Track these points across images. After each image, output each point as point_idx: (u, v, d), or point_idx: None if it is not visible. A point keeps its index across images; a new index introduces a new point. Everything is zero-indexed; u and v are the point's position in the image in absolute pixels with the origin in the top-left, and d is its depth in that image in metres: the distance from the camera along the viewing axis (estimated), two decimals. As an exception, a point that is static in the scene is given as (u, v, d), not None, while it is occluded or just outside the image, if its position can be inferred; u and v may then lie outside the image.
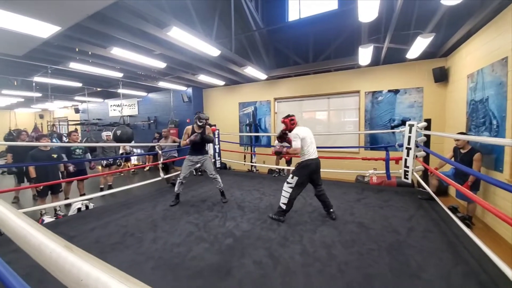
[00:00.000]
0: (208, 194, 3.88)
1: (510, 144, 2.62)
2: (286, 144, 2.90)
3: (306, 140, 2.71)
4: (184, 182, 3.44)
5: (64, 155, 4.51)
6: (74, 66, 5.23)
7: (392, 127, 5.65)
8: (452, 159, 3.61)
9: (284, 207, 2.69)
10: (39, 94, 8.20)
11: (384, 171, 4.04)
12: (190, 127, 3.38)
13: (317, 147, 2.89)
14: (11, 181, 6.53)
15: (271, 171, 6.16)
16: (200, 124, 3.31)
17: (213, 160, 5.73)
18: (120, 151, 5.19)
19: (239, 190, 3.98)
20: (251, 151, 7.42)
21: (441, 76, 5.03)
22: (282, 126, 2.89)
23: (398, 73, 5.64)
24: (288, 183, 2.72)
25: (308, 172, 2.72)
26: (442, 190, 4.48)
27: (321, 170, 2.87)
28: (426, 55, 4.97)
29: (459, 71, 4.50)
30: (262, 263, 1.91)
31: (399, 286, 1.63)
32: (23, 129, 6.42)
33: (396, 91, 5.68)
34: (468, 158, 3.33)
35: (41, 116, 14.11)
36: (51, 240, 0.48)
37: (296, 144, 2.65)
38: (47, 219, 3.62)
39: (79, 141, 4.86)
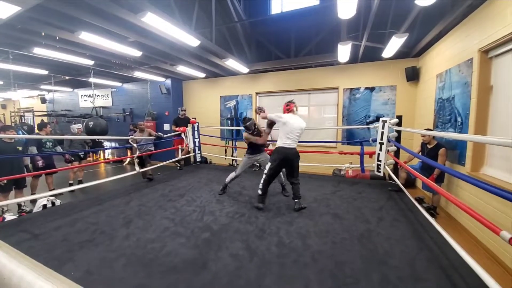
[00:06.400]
0: (187, 188, 3.80)
1: (473, 140, 2.84)
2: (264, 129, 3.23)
3: (287, 126, 2.81)
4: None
5: (35, 148, 4.20)
6: (39, 51, 4.80)
7: (368, 123, 5.89)
8: (420, 154, 3.85)
9: (260, 192, 2.92)
10: (0, 82, 7.46)
11: (359, 165, 4.21)
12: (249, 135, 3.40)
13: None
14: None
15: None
16: (250, 132, 3.35)
17: (193, 154, 5.61)
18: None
19: (218, 185, 3.93)
20: (232, 145, 7.36)
21: (413, 75, 5.30)
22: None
23: (374, 71, 5.84)
24: (265, 173, 2.94)
25: (280, 158, 2.82)
26: (410, 183, 4.79)
27: (300, 164, 2.97)
28: (400, 55, 5.19)
29: (429, 70, 4.75)
30: (238, 256, 1.91)
31: (368, 272, 1.71)
32: None
33: (372, 89, 5.90)
34: (434, 153, 3.57)
35: (3, 106, 12.88)
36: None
37: (270, 116, 2.92)
38: (9, 216, 3.34)
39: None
